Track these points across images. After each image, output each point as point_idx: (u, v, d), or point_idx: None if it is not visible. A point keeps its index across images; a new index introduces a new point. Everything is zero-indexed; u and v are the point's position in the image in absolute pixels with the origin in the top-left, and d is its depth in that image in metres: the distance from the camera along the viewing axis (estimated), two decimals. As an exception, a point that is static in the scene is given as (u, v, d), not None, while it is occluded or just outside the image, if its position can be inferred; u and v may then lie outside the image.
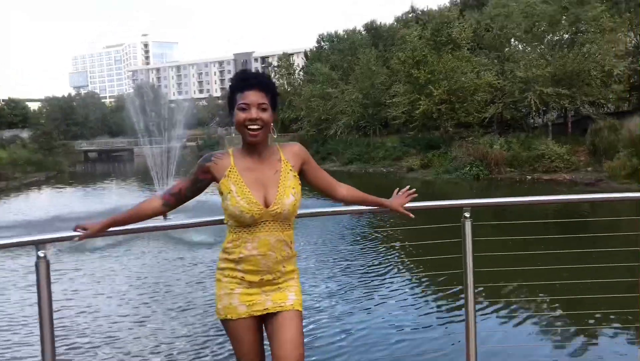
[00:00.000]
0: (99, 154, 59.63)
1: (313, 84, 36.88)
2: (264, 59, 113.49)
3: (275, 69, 45.14)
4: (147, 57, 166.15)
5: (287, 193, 2.04)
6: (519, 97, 24.90)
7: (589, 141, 22.36)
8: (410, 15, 44.53)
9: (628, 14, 26.23)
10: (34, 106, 79.00)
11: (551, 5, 25.78)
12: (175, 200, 2.15)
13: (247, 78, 2.06)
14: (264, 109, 2.00)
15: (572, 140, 23.75)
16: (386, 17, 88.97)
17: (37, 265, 2.10)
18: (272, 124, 2.05)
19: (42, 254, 2.09)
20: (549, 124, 25.98)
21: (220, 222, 2.23)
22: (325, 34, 45.05)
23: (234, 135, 51.71)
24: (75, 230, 2.13)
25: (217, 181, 2.09)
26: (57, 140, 60.28)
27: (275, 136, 2.11)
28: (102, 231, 2.17)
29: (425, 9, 43.90)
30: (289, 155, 2.11)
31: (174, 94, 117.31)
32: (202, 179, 2.11)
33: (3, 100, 72.67)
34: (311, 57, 46.27)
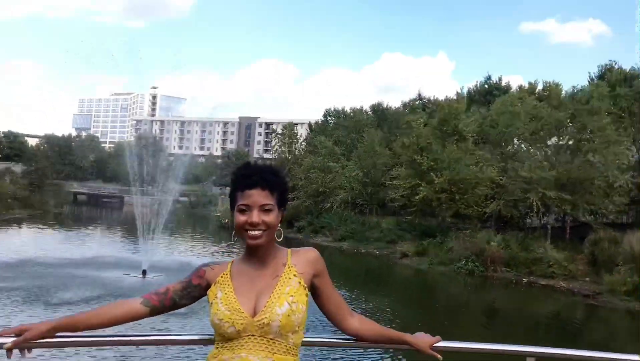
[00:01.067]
0: (88, 197, 58.68)
1: (315, 155, 36.83)
2: (268, 125, 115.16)
3: (279, 136, 45.28)
4: (153, 109, 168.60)
5: (281, 300, 1.67)
6: (521, 196, 24.65)
7: (588, 251, 21.83)
8: (417, 103, 45.45)
9: (632, 129, 26.59)
10: (32, 142, 78.84)
11: (558, 111, 26.16)
12: (159, 302, 1.77)
13: (249, 175, 1.76)
14: (268, 210, 1.74)
15: (571, 247, 23.24)
16: (393, 100, 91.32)
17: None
18: (278, 225, 1.78)
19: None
20: (548, 226, 25.58)
21: (210, 341, 1.81)
22: (332, 109, 45.69)
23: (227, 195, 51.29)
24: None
25: (209, 288, 1.80)
26: (50, 178, 59.66)
27: (280, 239, 1.81)
28: (48, 336, 1.62)
29: (431, 98, 44.90)
30: (298, 260, 1.78)
31: (174, 148, 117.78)
32: (195, 285, 1.80)
33: (3, 132, 72.52)
34: (315, 129, 46.70)
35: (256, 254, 1.78)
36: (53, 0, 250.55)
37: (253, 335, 1.65)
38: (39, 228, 27.68)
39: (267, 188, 1.74)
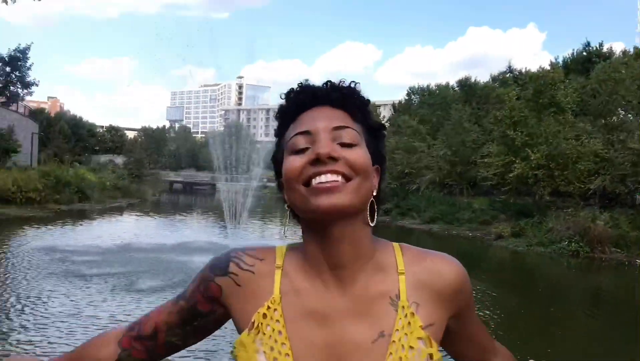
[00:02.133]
0: (183, 185, 61.47)
1: (399, 136, 35.88)
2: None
3: (362, 118, 44.80)
4: (240, 98, 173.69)
5: None
6: (630, 170, 22.46)
7: None
8: (507, 75, 42.94)
9: None
10: (130, 135, 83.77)
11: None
12: (143, 349, 1.02)
13: (307, 90, 1.01)
14: (349, 145, 0.92)
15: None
16: (480, 75, 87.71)
17: None
18: (373, 191, 0.96)
19: None
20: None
21: None
22: (416, 87, 44.28)
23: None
24: None
25: (236, 324, 0.98)
26: (147, 168, 63.15)
27: (373, 224, 0.96)
28: None
29: (523, 70, 42.20)
30: (422, 290, 0.95)
31: (261, 136, 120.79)
32: (203, 312, 1.00)
33: (105, 127, 77.49)
34: (399, 109, 45.53)
35: (331, 255, 0.93)
36: None
37: None
38: (137, 215, 29.10)
39: (342, 108, 0.98)
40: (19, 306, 8.36)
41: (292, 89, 1.02)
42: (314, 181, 0.89)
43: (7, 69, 36.38)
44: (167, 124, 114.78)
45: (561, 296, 14.31)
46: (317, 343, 0.89)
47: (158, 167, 69.49)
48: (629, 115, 27.21)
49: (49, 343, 6.61)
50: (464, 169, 31.33)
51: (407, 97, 45.39)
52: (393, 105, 51.30)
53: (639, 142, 21.76)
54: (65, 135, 52.38)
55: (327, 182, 0.88)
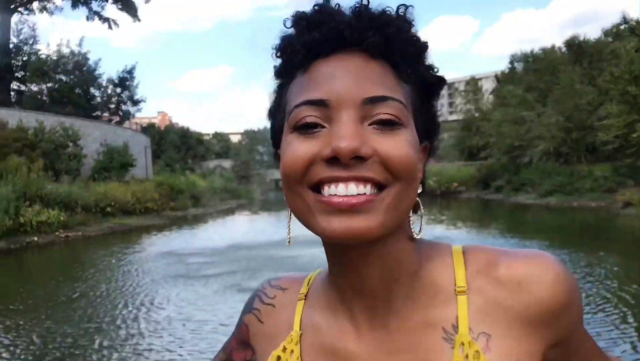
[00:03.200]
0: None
1: (504, 107, 33.86)
2: (450, 85, 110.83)
3: (462, 93, 42.84)
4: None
5: None
6: None
7: None
8: (622, 27, 38.93)
9: None
10: (235, 139, 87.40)
11: None
12: None
13: (329, 18, 0.63)
14: (390, 127, 0.60)
15: None
16: (590, 32, 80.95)
17: None
18: (420, 183, 0.66)
19: None
20: None
21: None
22: (519, 53, 41.55)
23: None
24: None
25: None
26: (253, 169, 65.49)
27: (419, 235, 0.66)
28: None
29: (640, 18, 38.04)
30: (494, 311, 0.62)
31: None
32: None
33: (211, 134, 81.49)
34: (502, 79, 43.03)
35: (351, 274, 0.66)
36: (233, 7, 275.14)
37: None
38: (247, 215, 30.11)
39: (383, 57, 0.63)
40: (134, 312, 8.74)
41: (302, 14, 0.65)
42: (327, 190, 0.60)
43: (118, 90, 39.23)
44: (269, 125, 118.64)
45: None
46: None
47: (264, 167, 71.82)
48: None
49: (164, 349, 6.77)
50: (579, 134, 28.84)
51: (510, 66, 42.80)
52: (496, 76, 48.67)
53: None
54: (176, 146, 55.66)
55: (347, 196, 0.58)
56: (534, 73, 37.12)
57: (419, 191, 0.66)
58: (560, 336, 0.64)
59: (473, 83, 44.71)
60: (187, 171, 39.07)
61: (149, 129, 49.42)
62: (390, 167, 0.58)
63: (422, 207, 0.67)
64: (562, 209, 24.77)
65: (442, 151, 49.14)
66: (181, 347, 6.63)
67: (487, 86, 54.93)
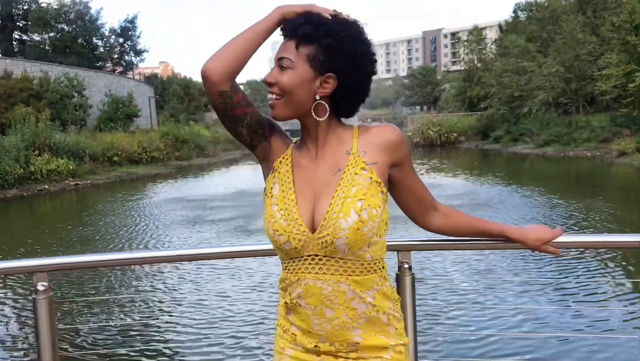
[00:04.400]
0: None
1: (506, 57, 33.81)
2: (454, 34, 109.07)
3: (465, 43, 42.48)
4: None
5: (346, 208, 1.21)
6: None
7: None
8: (628, -26, 38.29)
9: None
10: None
11: None
12: (237, 102, 1.29)
13: (289, 24, 1.28)
14: (284, 68, 1.24)
15: None
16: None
17: (35, 302, 1.46)
18: (317, 98, 1.26)
19: (41, 287, 1.45)
20: None
21: (272, 251, 1.41)
22: (524, 2, 40.97)
23: (417, 115, 50.51)
24: None
25: (267, 169, 1.39)
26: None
27: (321, 118, 1.29)
28: None
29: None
30: (369, 145, 1.29)
31: (382, 72, 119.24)
32: (266, 137, 1.36)
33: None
34: (506, 29, 42.62)
35: (309, 136, 1.31)
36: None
37: (317, 255, 1.24)
38: (251, 164, 30.70)
39: (292, 38, 1.25)
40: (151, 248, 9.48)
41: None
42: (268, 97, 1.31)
43: (120, 40, 39.12)
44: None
45: None
46: (306, 180, 1.31)
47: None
48: None
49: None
50: (579, 85, 28.96)
51: (513, 15, 42.29)
52: (499, 26, 48.05)
53: None
54: (179, 96, 55.66)
55: (270, 100, 1.28)
56: (537, 22, 36.81)
57: (320, 101, 1.29)
58: (397, 159, 1.31)
59: (476, 33, 44.22)
60: (191, 122, 39.43)
61: (151, 80, 49.39)
62: (281, 88, 1.25)
63: (326, 108, 1.29)
64: (559, 158, 25.29)
65: (443, 102, 49.18)
66: (191, 281, 7.35)
67: (491, 35, 54.28)
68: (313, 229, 1.24)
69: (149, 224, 12.40)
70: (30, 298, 1.48)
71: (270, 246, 1.36)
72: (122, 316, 6.11)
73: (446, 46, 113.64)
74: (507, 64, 32.73)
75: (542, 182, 17.55)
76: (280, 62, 1.25)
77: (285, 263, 1.31)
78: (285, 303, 1.33)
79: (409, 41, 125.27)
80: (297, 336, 1.32)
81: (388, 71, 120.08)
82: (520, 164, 25.27)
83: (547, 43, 32.81)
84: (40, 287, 1.44)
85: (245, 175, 25.00)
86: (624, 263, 7.34)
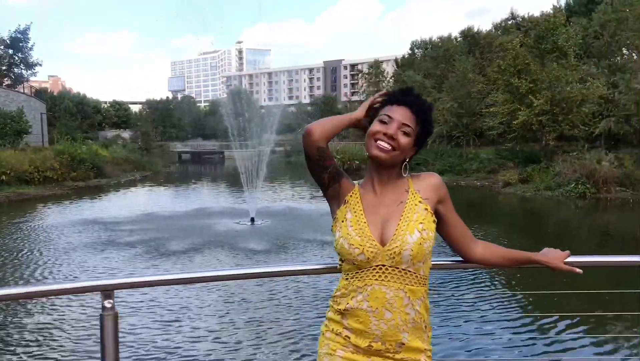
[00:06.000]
0: (191, 155, 61.90)
1: (404, 92, 35.90)
2: (353, 66, 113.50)
3: (366, 76, 44.61)
4: (240, 64, 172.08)
5: (411, 227, 1.59)
6: (634, 110, 22.65)
7: None
8: (510, 22, 42.48)
9: None
10: (135, 108, 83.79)
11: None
12: (328, 157, 1.70)
13: (407, 93, 1.71)
14: (406, 134, 1.64)
15: None
16: (483, 24, 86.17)
17: (102, 318, 1.60)
18: (407, 159, 1.69)
19: (109, 304, 1.60)
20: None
21: (334, 269, 1.78)
22: (419, 40, 43.95)
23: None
24: None
25: (338, 203, 1.72)
26: (155, 141, 63.59)
27: (405, 175, 1.72)
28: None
29: (526, 16, 41.72)
30: (421, 186, 1.70)
31: (264, 100, 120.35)
32: (335, 184, 1.73)
33: (109, 102, 77.54)
34: (403, 64, 45.36)
35: (378, 176, 1.68)
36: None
37: (384, 265, 1.57)
38: (152, 186, 29.75)
39: (415, 114, 1.65)
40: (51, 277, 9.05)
41: (403, 89, 1.73)
42: (378, 142, 1.64)
43: (10, 51, 36.53)
44: (170, 95, 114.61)
45: (569, 236, 14.83)
46: (373, 209, 1.66)
47: (165, 139, 69.97)
48: (633, 55, 27.16)
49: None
50: (470, 120, 31.56)
51: (410, 52, 45.12)
52: (396, 60, 51.04)
53: (641, 83, 21.84)
54: (71, 113, 52.75)
55: (382, 146, 1.63)
56: (431, 60, 39.62)
57: (406, 161, 1.71)
58: (441, 197, 1.70)
59: (376, 66, 46.63)
60: (88, 140, 37.49)
61: (41, 95, 46.39)
62: (400, 147, 1.63)
63: (407, 168, 1.71)
64: (452, 187, 27.14)
65: (345, 131, 50.88)
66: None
67: (389, 69, 57.41)
68: (382, 244, 1.58)
69: (38, 249, 11.76)
70: (94, 314, 1.59)
71: (327, 265, 1.79)
72: (170, 333, 6.63)
73: (346, 77, 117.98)
74: (405, 98, 34.72)
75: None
76: (403, 128, 1.63)
77: (351, 273, 1.62)
78: (340, 309, 1.63)
79: (310, 70, 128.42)
80: (351, 338, 1.60)
81: (290, 97, 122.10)
82: (417, 192, 26.81)
83: (441, 80, 35.39)
84: (107, 304, 1.57)
85: (146, 197, 24.25)
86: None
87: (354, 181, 1.76)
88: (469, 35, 42.90)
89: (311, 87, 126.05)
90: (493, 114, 27.39)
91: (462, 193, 25.21)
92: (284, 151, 54.17)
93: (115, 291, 1.59)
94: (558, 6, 39.25)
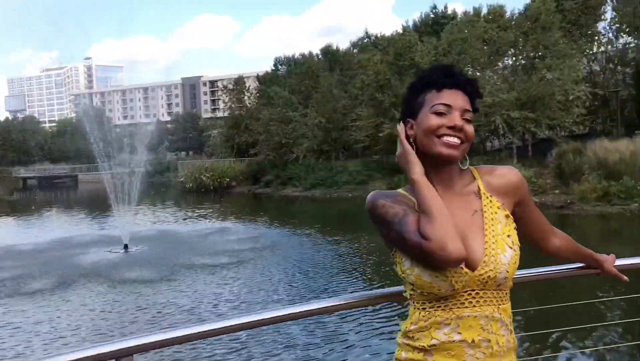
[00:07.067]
0: (38, 180, 56.16)
1: (272, 107, 36.08)
2: (213, 83, 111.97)
3: (230, 91, 44.03)
4: (90, 81, 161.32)
5: (501, 244, 1.33)
6: (484, 121, 24.96)
7: (555, 164, 22.47)
8: (365, 41, 44.77)
9: (583, 40, 27.04)
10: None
11: (508, 31, 26.31)
12: None
13: (451, 74, 1.40)
14: (469, 121, 1.38)
15: (536, 163, 23.90)
16: (340, 42, 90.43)
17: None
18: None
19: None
20: (513, 146, 26.16)
21: (399, 295, 1.51)
22: (282, 57, 44.58)
23: (187, 161, 50.07)
24: None
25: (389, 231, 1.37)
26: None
27: (464, 168, 1.44)
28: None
29: (378, 35, 44.31)
30: (495, 187, 1.42)
31: (119, 119, 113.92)
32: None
33: None
34: (267, 80, 45.58)
35: (443, 178, 1.38)
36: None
37: (474, 290, 1.32)
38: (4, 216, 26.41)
39: (468, 95, 1.39)
40: None
41: (438, 67, 1.43)
42: (444, 138, 1.35)
43: None
44: (9, 116, 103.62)
45: None
46: None
47: (6, 164, 62.93)
48: (476, 72, 29.99)
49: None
50: (338, 134, 32.51)
51: (274, 68, 45.50)
52: (257, 76, 51.14)
53: (490, 96, 24.14)
54: None
55: (452, 142, 1.35)
56: (296, 76, 40.33)
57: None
58: (520, 198, 1.43)
59: (240, 82, 46.33)
60: None
61: None
62: (467, 136, 1.36)
63: (467, 160, 1.42)
64: (325, 200, 27.72)
65: (212, 148, 49.84)
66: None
67: (250, 84, 57.47)
68: (471, 268, 1.31)
69: None
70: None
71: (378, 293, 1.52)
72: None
73: (206, 93, 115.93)
74: (273, 113, 34.90)
75: (312, 222, 18.91)
76: (466, 115, 1.37)
77: (430, 303, 1.34)
78: (424, 346, 1.33)
79: (167, 87, 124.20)
80: None
81: (147, 115, 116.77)
82: (291, 207, 26.91)
83: (307, 96, 36.12)
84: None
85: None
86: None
87: (399, 190, 1.42)
88: (329, 52, 44.42)
89: (169, 104, 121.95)
90: (359, 127, 28.50)
91: (335, 206, 25.79)
92: (145, 171, 51.48)
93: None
94: (407, 26, 42.33)
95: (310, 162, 32.43)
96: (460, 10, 41.18)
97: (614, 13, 28.52)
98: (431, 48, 30.09)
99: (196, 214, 23.59)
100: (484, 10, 35.76)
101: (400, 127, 1.43)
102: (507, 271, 1.32)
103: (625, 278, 1.69)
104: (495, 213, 1.36)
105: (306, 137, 32.84)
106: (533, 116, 23.76)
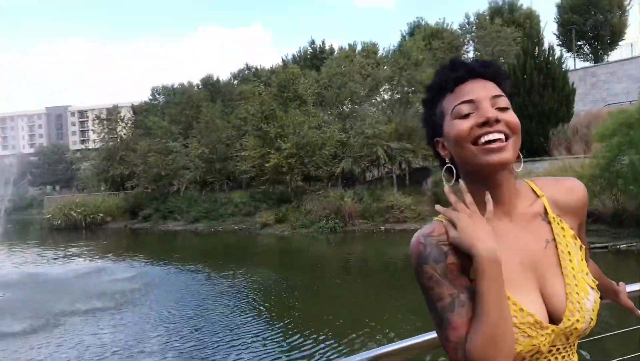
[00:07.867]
0: None
1: (150, 137, 34.50)
2: (82, 113, 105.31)
3: (105, 122, 41.51)
4: None
5: (582, 285, 1.08)
6: (366, 152, 25.87)
7: (431, 192, 23.81)
8: (246, 72, 44.94)
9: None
10: None
11: (384, 67, 27.85)
12: None
13: (460, 65, 1.13)
14: (504, 108, 1.08)
15: (414, 191, 25.16)
16: (221, 73, 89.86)
17: None
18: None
19: None
20: (393, 175, 27.32)
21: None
22: (161, 86, 43.14)
23: (54, 195, 45.99)
24: None
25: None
26: None
27: (518, 170, 1.13)
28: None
29: (258, 67, 44.72)
30: (563, 204, 1.16)
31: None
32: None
33: None
34: (143, 110, 43.72)
35: (496, 197, 1.09)
36: None
37: (557, 347, 1.07)
38: None
39: (492, 80, 1.12)
40: None
41: (446, 65, 1.15)
42: (482, 140, 1.05)
43: None
44: None
45: (321, 267, 15.91)
46: (512, 259, 1.07)
47: None
48: (355, 105, 31.22)
49: None
50: (222, 165, 31.83)
51: (151, 97, 43.85)
52: (132, 106, 48.89)
53: (371, 128, 25.15)
54: None
55: (495, 140, 1.04)
56: (175, 106, 39.14)
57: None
58: (582, 218, 1.18)
59: (114, 112, 43.91)
60: None
61: None
62: (510, 126, 1.06)
63: (521, 159, 1.12)
64: (209, 233, 26.79)
65: (83, 181, 46.38)
66: None
67: (125, 115, 54.66)
68: (553, 321, 1.05)
69: None
70: None
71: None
72: None
73: (74, 124, 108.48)
74: (152, 144, 33.39)
75: (193, 258, 18.12)
76: (497, 103, 1.08)
77: None
78: None
79: (30, 116, 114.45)
80: None
81: (6, 147, 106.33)
82: (173, 241, 25.61)
83: (188, 126, 35.12)
84: None
85: None
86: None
87: (436, 220, 1.11)
88: (209, 83, 43.88)
89: (32, 135, 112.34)
90: (244, 158, 28.18)
91: (220, 239, 24.98)
92: (3, 209, 46.49)
93: None
94: (286, 60, 43.21)
95: (192, 194, 31.35)
96: (336, 46, 43.07)
97: (476, 53, 31.41)
98: (313, 81, 30.88)
99: (69, 253, 21.53)
100: (359, 47, 37.86)
101: (446, 190, 1.12)
102: (592, 319, 1.07)
103: (639, 312, 1.50)
104: (569, 242, 1.11)
105: (188, 168, 31.74)
106: (410, 147, 25.06)
